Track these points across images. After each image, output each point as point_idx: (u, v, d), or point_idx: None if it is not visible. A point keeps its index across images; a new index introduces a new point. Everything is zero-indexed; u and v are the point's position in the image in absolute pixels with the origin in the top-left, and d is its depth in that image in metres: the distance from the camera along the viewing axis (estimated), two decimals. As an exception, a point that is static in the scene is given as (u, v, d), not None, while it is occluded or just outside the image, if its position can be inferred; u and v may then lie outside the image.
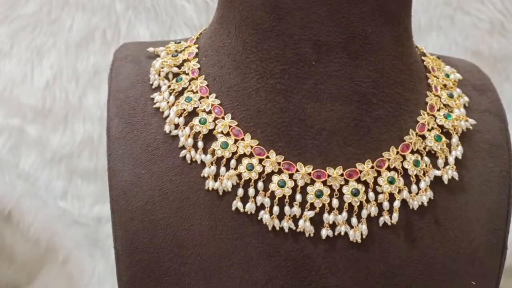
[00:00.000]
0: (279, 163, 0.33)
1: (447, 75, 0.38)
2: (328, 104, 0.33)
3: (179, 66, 0.37)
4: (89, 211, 0.69)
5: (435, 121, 0.35)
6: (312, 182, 0.33)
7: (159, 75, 0.37)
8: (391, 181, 0.33)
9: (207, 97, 0.35)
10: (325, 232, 0.32)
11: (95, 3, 0.69)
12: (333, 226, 0.32)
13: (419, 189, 0.33)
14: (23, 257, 0.68)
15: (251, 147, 0.33)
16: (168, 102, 0.35)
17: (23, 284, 0.69)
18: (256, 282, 0.32)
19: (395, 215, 0.32)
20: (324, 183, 0.33)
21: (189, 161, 0.34)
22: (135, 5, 0.69)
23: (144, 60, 0.38)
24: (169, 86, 0.36)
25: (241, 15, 0.34)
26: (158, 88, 0.36)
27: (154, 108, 0.36)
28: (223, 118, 0.34)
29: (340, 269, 0.32)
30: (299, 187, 0.33)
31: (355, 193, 0.32)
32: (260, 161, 0.33)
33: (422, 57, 0.39)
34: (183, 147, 0.34)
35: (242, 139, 0.33)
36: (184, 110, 0.35)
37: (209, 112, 0.34)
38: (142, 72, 0.38)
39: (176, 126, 0.35)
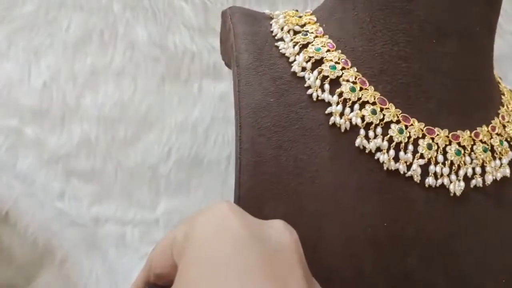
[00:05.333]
0: (397, 115, 0.36)
1: (511, 90, 0.44)
2: (440, 77, 0.37)
3: (301, 26, 0.40)
4: (86, 212, 0.69)
5: (510, 117, 0.40)
6: (423, 136, 0.36)
7: (281, 30, 0.40)
8: (485, 150, 0.37)
9: (334, 51, 0.38)
10: (431, 180, 0.36)
11: (92, 3, 0.69)
12: (436, 177, 0.36)
13: (501, 164, 0.38)
14: (21, 258, 0.68)
15: (374, 97, 0.37)
16: (293, 50, 0.39)
17: (21, 285, 0.69)
18: (366, 213, 0.35)
19: (490, 177, 0.37)
20: (433, 140, 0.37)
21: (315, 99, 0.37)
22: (133, 6, 0.69)
23: (262, 19, 0.42)
24: (292, 40, 0.40)
25: None
26: (281, 40, 0.40)
27: (280, 53, 0.39)
28: (349, 69, 0.37)
29: (437, 217, 0.36)
30: (412, 138, 0.36)
31: (458, 153, 0.37)
32: (381, 109, 0.36)
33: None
34: (309, 88, 0.37)
35: (366, 89, 0.37)
36: (312, 57, 0.38)
37: (337, 63, 0.38)
38: (263, 25, 0.41)
39: (303, 69, 0.38)
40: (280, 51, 0.39)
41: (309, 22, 0.41)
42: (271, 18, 0.42)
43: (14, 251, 0.68)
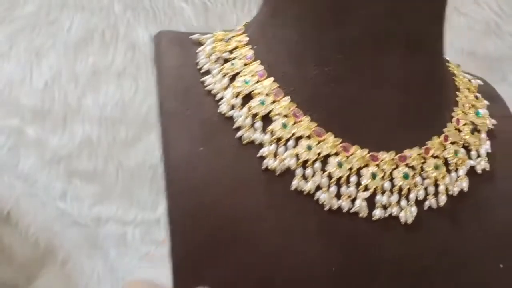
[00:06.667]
0: (336, 145, 0.34)
1: (469, 80, 0.41)
2: (382, 93, 0.34)
3: (230, 52, 0.37)
4: (88, 212, 0.69)
5: (466, 117, 0.38)
6: (367, 165, 0.34)
7: (209, 59, 0.37)
8: (437, 167, 0.34)
9: (264, 80, 0.35)
10: (378, 213, 0.33)
11: (93, 4, 0.69)
12: (384, 208, 0.33)
13: (458, 176, 0.35)
14: (22, 257, 0.68)
15: (310, 129, 0.34)
16: (221, 85, 0.35)
17: (22, 285, 0.69)
18: (314, 262, 0.33)
19: (443, 198, 0.34)
20: (377, 166, 0.34)
21: (245, 141, 0.34)
22: (134, 6, 0.69)
23: (189, 46, 0.38)
24: (220, 70, 0.36)
25: (300, 8, 0.34)
26: (208, 72, 0.36)
27: (206, 90, 0.35)
28: (281, 101, 0.34)
29: (390, 249, 0.33)
30: (354, 169, 0.33)
31: (406, 177, 0.34)
32: (318, 142, 0.34)
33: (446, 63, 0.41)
34: (239, 128, 0.34)
35: (300, 121, 0.34)
36: (240, 92, 0.35)
37: (267, 95, 0.35)
38: (189, 56, 0.38)
39: (232, 107, 0.35)
40: (207, 87, 0.35)
41: (238, 46, 0.37)
42: (201, 44, 0.38)
43: (15, 251, 0.68)
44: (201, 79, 0.36)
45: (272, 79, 0.35)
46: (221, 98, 0.35)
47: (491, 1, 0.70)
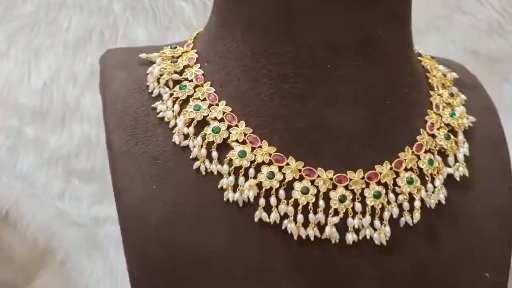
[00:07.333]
0: (299, 170, 0.32)
1: (444, 75, 0.39)
2: (344, 107, 0.32)
3: (179, 73, 0.35)
4: (87, 211, 0.69)
5: (441, 120, 0.36)
6: (334, 187, 0.32)
7: (158, 82, 0.35)
8: (410, 181, 0.33)
9: (217, 104, 0.33)
10: (350, 237, 0.31)
11: (92, 3, 0.69)
12: (357, 230, 0.32)
13: (434, 187, 0.33)
14: (21, 257, 0.68)
15: (270, 154, 0.32)
16: (173, 111, 0.33)
17: (21, 285, 0.69)
18: None
19: (417, 215, 0.32)
20: (346, 187, 0.32)
21: (203, 173, 0.32)
22: (133, 6, 0.69)
23: (137, 67, 0.36)
24: (171, 94, 0.34)
25: (248, 19, 0.33)
26: (159, 96, 0.34)
27: (158, 118, 0.33)
28: (236, 126, 0.32)
29: (367, 273, 0.32)
30: (321, 193, 0.32)
31: (377, 196, 0.32)
32: (280, 168, 0.32)
33: (419, 58, 0.39)
34: (196, 158, 0.32)
35: (259, 146, 0.32)
36: (193, 119, 0.33)
37: (221, 120, 0.33)
38: (137, 79, 0.35)
39: (186, 136, 0.33)
40: (158, 115, 0.33)
41: (188, 65, 0.35)
42: (151, 63, 0.36)
43: (14, 251, 0.68)
44: (152, 105, 0.34)
45: (224, 102, 0.33)
46: (175, 126, 0.33)
47: (494, 0, 0.70)
